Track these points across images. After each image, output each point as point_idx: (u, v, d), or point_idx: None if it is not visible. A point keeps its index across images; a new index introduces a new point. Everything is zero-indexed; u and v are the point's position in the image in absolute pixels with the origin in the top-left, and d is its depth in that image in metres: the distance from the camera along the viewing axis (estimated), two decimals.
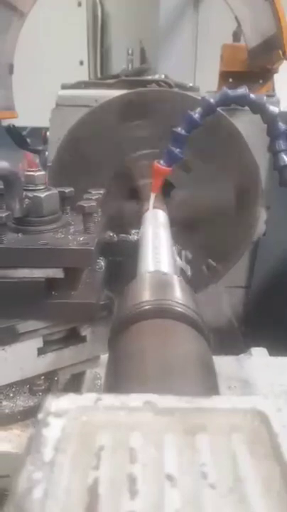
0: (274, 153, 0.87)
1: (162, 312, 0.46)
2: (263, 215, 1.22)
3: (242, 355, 0.88)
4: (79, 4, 2.74)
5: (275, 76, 1.24)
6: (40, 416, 0.27)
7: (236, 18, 1.33)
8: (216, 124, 1.05)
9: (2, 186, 0.62)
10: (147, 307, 0.46)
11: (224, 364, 0.80)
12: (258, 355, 0.89)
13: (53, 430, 0.26)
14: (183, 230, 1.07)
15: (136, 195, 1.11)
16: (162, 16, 2.42)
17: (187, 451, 0.25)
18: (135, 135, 1.09)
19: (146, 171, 0.99)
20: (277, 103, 1.23)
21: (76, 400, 0.28)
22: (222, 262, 1.21)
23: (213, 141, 1.08)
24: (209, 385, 0.38)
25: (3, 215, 0.59)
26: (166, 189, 1.12)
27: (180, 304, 0.47)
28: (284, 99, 1.25)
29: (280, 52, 1.02)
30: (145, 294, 0.50)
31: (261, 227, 1.24)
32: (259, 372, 0.82)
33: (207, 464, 0.24)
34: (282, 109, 1.22)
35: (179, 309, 0.46)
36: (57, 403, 0.27)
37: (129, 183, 1.12)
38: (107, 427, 0.26)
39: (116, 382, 0.39)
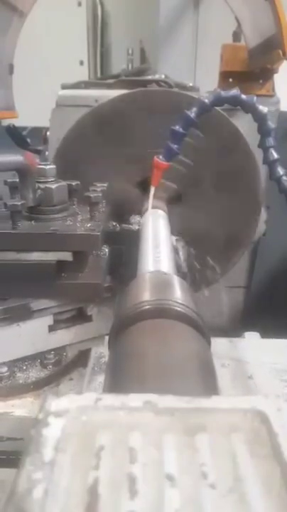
0: (264, 149, 0.93)
1: (162, 312, 0.45)
2: (263, 215, 1.22)
3: (237, 338, 0.92)
4: (79, 4, 2.73)
5: (275, 76, 1.24)
6: (40, 416, 0.27)
7: (236, 18, 1.32)
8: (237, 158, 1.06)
9: (17, 179, 0.70)
10: (147, 307, 0.46)
11: (218, 344, 0.85)
12: (251, 338, 0.94)
13: (53, 430, 0.26)
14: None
15: (144, 185, 1.09)
16: (162, 16, 2.42)
17: (187, 451, 0.25)
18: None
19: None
20: (277, 103, 1.23)
21: (76, 400, 0.28)
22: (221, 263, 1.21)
23: (228, 173, 1.08)
24: (209, 385, 0.38)
25: (19, 203, 0.65)
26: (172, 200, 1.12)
27: (180, 303, 0.47)
28: (284, 99, 1.25)
29: (280, 52, 1.01)
30: (146, 294, 0.50)
31: (261, 227, 1.24)
32: (251, 352, 0.87)
33: (207, 464, 0.24)
34: (282, 109, 1.23)
35: (179, 309, 0.46)
36: (57, 403, 0.27)
37: (141, 173, 1.10)
38: (107, 426, 0.26)
39: (116, 381, 0.39)
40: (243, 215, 1.14)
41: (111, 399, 0.28)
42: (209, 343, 0.47)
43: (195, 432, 0.26)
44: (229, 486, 0.23)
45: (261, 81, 1.24)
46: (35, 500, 0.21)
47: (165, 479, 0.23)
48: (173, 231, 0.93)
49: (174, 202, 1.10)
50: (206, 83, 1.44)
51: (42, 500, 0.21)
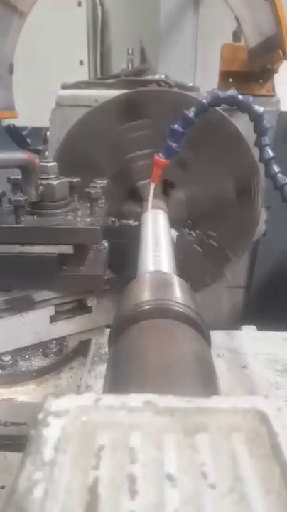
0: (260, 147, 0.95)
1: (162, 312, 0.46)
2: (263, 215, 1.22)
3: (233, 331, 0.95)
4: (79, 4, 2.73)
5: (276, 76, 1.24)
6: (40, 416, 0.27)
7: (236, 18, 1.32)
8: (217, 124, 1.06)
9: (19, 176, 0.71)
10: (147, 307, 0.46)
11: (214, 336, 0.86)
12: (248, 330, 0.96)
13: (53, 430, 0.26)
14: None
15: (135, 195, 1.11)
16: (162, 16, 2.42)
17: (187, 451, 0.25)
18: (134, 135, 1.09)
19: (146, 170, 1.00)
20: (277, 103, 1.23)
21: (76, 400, 0.28)
22: (223, 260, 1.21)
23: (214, 141, 1.09)
24: (210, 384, 0.38)
25: (22, 199, 0.68)
26: (167, 189, 1.13)
27: (180, 303, 0.47)
28: (284, 99, 1.25)
29: (280, 52, 1.02)
30: (146, 294, 0.50)
31: (261, 227, 1.24)
32: (247, 343, 0.89)
33: (207, 463, 0.24)
34: (282, 109, 1.23)
35: (179, 309, 0.46)
36: (57, 403, 0.27)
37: (129, 184, 1.12)
38: (107, 427, 0.26)
39: (117, 381, 0.39)
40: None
41: (111, 399, 0.28)
42: (209, 343, 0.47)
43: (195, 432, 0.26)
44: (229, 486, 0.23)
45: (261, 81, 1.24)
46: (35, 500, 0.21)
47: (165, 479, 0.23)
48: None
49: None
50: (206, 83, 1.44)
51: (43, 500, 0.21)
